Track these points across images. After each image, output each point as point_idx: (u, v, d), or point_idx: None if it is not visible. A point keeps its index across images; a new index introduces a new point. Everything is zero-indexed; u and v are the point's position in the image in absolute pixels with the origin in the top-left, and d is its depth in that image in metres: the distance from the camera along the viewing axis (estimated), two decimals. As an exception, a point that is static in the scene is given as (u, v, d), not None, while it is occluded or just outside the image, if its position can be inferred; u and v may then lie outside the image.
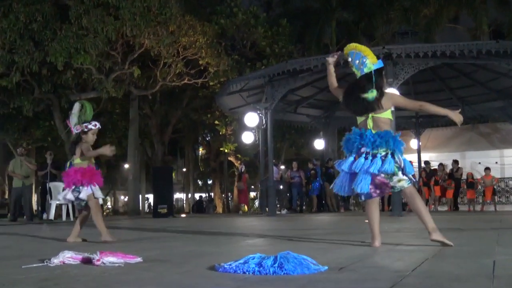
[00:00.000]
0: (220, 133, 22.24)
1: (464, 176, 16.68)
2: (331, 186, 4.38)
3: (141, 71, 16.48)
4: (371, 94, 4.10)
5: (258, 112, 14.55)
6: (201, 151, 37.10)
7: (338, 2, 24.36)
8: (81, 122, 5.29)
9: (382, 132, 4.10)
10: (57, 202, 12.74)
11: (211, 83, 18.65)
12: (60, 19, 15.05)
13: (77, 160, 5.29)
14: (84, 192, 5.19)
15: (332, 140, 18.48)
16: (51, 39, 14.53)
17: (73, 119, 5.32)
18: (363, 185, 4.04)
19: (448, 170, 16.54)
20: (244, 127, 16.80)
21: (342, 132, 21.77)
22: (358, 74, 4.23)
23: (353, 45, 4.33)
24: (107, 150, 5.28)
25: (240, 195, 19.51)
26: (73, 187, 5.21)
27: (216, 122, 21.60)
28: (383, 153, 4.02)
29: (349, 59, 4.33)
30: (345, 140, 4.26)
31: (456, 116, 4.21)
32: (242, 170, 18.58)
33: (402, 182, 4.06)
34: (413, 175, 4.23)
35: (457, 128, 20.34)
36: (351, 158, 4.11)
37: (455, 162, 16.33)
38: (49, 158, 13.59)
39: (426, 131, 19.33)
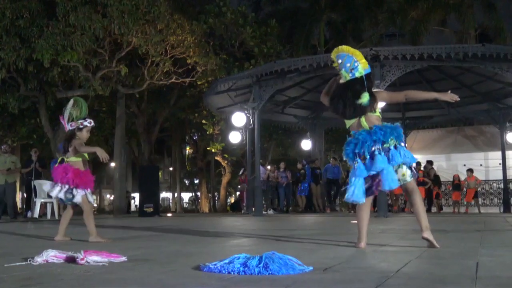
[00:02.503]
0: (208, 132, 22.20)
1: (450, 178, 16.77)
2: (346, 198, 4.12)
3: (129, 70, 16.37)
4: (366, 99, 4.09)
5: (246, 112, 14.54)
6: (188, 150, 36.99)
7: (326, 3, 24.44)
8: (77, 118, 5.24)
9: (384, 124, 4.09)
10: (42, 200, 12.64)
11: (199, 82, 18.60)
12: (47, 15, 14.92)
13: (71, 158, 5.22)
14: (79, 196, 5.13)
15: (319, 141, 18.52)
16: (38, 36, 14.40)
17: (67, 115, 5.26)
18: (393, 181, 3.97)
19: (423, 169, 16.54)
20: (231, 127, 16.77)
21: (329, 133, 21.89)
22: (347, 77, 4.18)
23: (345, 48, 4.27)
24: (102, 153, 5.05)
25: (243, 195, 20.42)
26: (67, 187, 5.15)
27: (204, 121, 21.55)
28: (393, 144, 3.98)
29: (339, 61, 4.23)
30: (350, 143, 4.11)
31: (444, 95, 4.07)
32: (245, 172, 19.21)
33: (405, 175, 4.04)
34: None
35: (443, 130, 20.52)
36: (361, 165, 4.00)
37: (429, 162, 16.37)
38: (34, 156, 13.46)
39: (412, 133, 19.42)
